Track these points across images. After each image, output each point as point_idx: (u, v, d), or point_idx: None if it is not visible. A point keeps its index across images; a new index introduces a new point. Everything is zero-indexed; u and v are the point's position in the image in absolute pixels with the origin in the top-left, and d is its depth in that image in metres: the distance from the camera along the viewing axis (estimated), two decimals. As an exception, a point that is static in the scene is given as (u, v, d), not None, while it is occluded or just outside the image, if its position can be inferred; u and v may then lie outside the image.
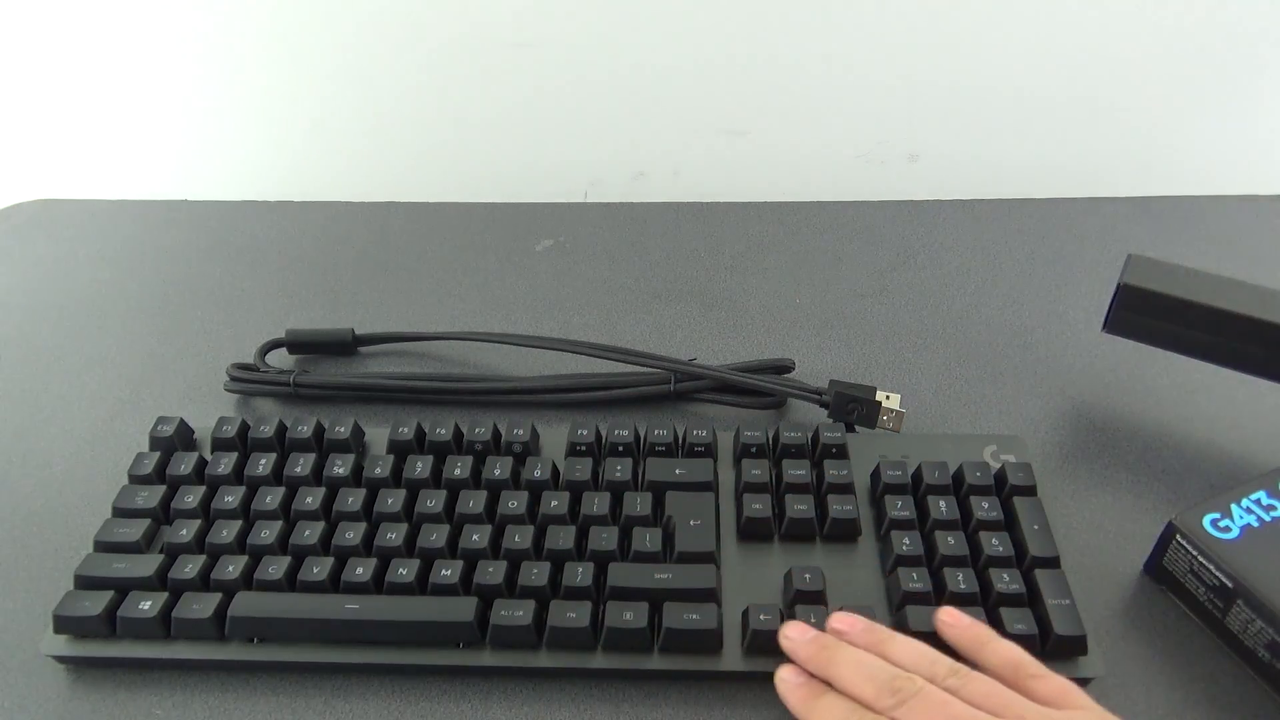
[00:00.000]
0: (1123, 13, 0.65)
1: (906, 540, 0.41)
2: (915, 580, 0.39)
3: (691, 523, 0.42)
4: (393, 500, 0.43)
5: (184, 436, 0.47)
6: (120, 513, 0.43)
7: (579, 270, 0.60)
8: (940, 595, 0.39)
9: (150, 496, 0.43)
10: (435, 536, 0.42)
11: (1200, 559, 0.39)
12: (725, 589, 0.41)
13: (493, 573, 0.40)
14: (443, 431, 0.46)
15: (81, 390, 0.53)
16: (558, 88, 0.69)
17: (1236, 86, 0.68)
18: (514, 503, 0.43)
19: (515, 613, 0.39)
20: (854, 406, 0.47)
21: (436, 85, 0.70)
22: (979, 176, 0.72)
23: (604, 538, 0.42)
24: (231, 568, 0.40)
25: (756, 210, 0.65)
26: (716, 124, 0.71)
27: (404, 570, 0.40)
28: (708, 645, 0.39)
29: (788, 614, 0.39)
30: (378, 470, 0.45)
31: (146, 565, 0.40)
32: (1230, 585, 0.38)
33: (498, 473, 0.44)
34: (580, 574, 0.40)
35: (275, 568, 0.40)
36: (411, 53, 0.68)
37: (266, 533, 0.42)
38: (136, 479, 0.45)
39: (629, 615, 0.39)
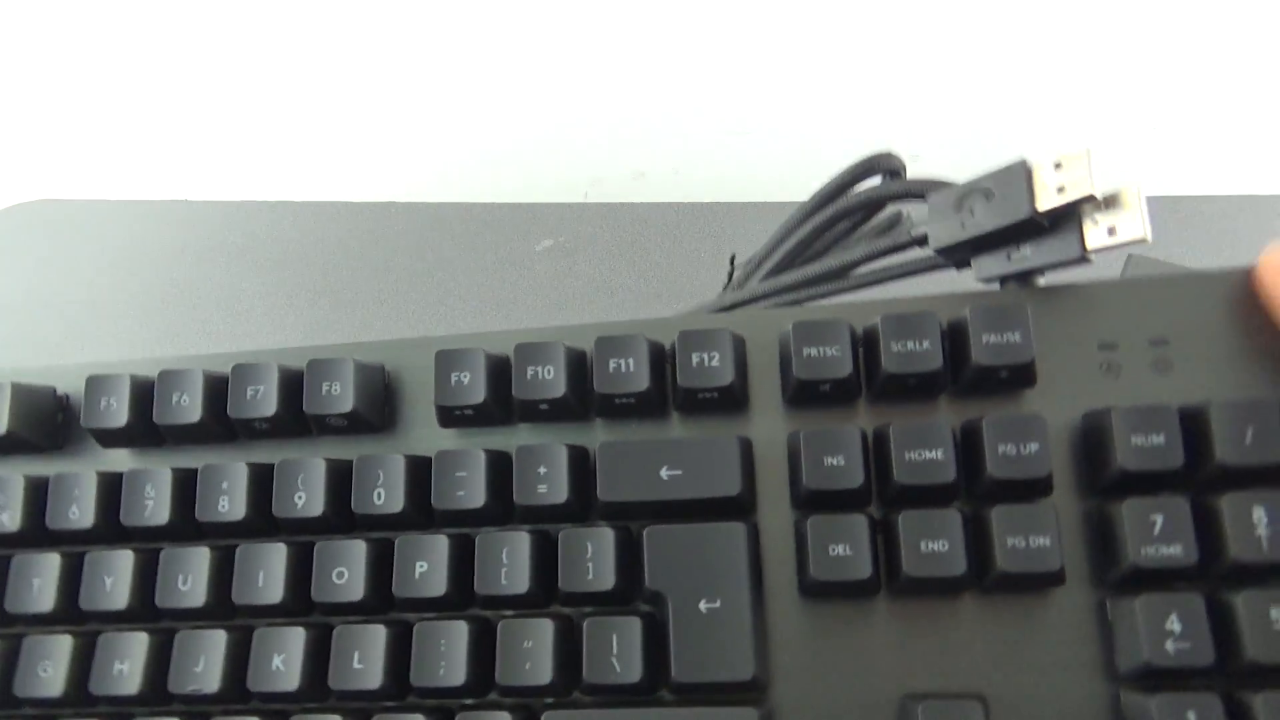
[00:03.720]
0: (1123, 13, 0.65)
1: (1175, 620, 0.25)
2: None
3: (703, 606, 0.27)
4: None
5: None
6: None
7: (579, 270, 0.60)
8: None
9: None
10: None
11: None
12: None
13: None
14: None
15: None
16: (558, 88, 0.69)
17: (1236, 86, 0.68)
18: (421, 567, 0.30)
19: None
20: (1011, 232, 0.30)
21: (436, 85, 0.70)
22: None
23: (526, 645, 0.28)
24: None
25: (756, 210, 0.65)
26: (716, 124, 0.71)
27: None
28: None
29: None
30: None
31: None
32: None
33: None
34: None
35: None
36: (411, 52, 0.68)
37: None
38: None
39: None
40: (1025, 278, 0.32)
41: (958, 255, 0.33)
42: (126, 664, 0.31)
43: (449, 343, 0.33)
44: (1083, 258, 0.30)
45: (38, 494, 0.34)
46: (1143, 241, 0.29)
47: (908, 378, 0.29)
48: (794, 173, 0.74)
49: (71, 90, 0.72)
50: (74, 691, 0.31)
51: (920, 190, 0.35)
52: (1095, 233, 0.29)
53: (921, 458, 0.27)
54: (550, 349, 0.31)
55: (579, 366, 0.31)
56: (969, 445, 0.28)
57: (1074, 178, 0.29)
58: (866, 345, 0.30)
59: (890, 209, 0.39)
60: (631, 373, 0.30)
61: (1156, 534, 0.26)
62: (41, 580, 0.32)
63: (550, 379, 0.31)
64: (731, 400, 0.30)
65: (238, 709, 0.31)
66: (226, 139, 0.73)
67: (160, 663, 0.31)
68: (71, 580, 0.33)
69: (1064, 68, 0.67)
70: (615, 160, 0.74)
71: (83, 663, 0.32)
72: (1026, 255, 0.31)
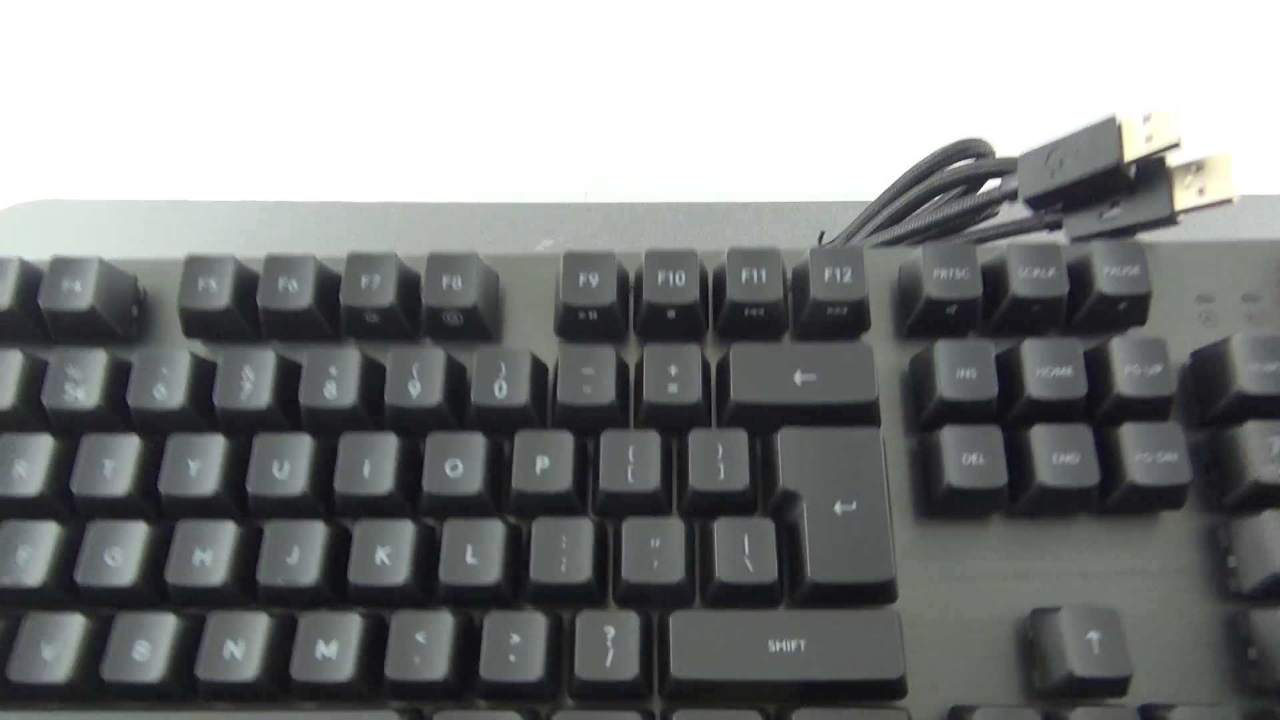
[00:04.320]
0: (1123, 14, 0.65)
1: None
2: None
3: (838, 507, 0.27)
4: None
5: None
6: None
7: (579, 270, 0.60)
8: None
9: None
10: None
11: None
12: (910, 653, 0.26)
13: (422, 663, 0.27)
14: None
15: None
16: (558, 88, 0.69)
17: (1237, 87, 0.68)
18: (455, 465, 0.30)
19: None
20: (1100, 182, 0.31)
21: (436, 85, 0.70)
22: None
23: (654, 547, 0.27)
24: None
25: (756, 210, 0.65)
26: (716, 124, 0.71)
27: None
28: None
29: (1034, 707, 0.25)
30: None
31: None
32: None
33: (419, 395, 0.30)
34: (614, 642, 0.26)
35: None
36: (411, 53, 0.68)
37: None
38: None
39: None
40: (1115, 237, 0.33)
41: (1049, 207, 0.34)
42: (209, 553, 0.28)
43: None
44: (1171, 218, 0.32)
45: (119, 373, 0.31)
46: (1229, 202, 0.32)
47: (1033, 303, 0.30)
48: (794, 173, 0.74)
49: (71, 90, 0.72)
50: (144, 583, 0.29)
51: (1012, 167, 0.36)
52: (1185, 194, 0.32)
53: (1052, 374, 0.28)
54: (684, 258, 0.31)
55: (705, 281, 0.32)
56: (1090, 370, 0.29)
57: (1161, 128, 0.31)
58: (988, 276, 0.31)
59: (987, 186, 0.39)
60: (762, 284, 0.31)
61: (1275, 454, 0.28)
62: (116, 463, 0.29)
63: (682, 285, 0.31)
64: (857, 319, 0.31)
65: (332, 604, 0.29)
66: (226, 139, 0.73)
67: (248, 554, 0.29)
68: (150, 465, 0.30)
69: (1063, 67, 0.67)
70: (615, 160, 0.74)
71: (157, 550, 0.29)
72: (1116, 214, 0.33)
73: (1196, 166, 0.33)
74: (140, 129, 0.73)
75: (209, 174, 0.76)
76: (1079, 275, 0.31)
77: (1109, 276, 0.30)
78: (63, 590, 0.29)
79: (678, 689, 0.26)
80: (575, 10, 0.66)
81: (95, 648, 0.28)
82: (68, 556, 0.29)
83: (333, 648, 0.27)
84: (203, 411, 0.31)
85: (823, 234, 0.44)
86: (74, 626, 0.28)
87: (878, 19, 0.66)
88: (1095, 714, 0.25)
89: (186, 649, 0.28)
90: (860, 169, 0.73)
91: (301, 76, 0.70)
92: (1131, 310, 0.31)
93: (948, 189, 0.39)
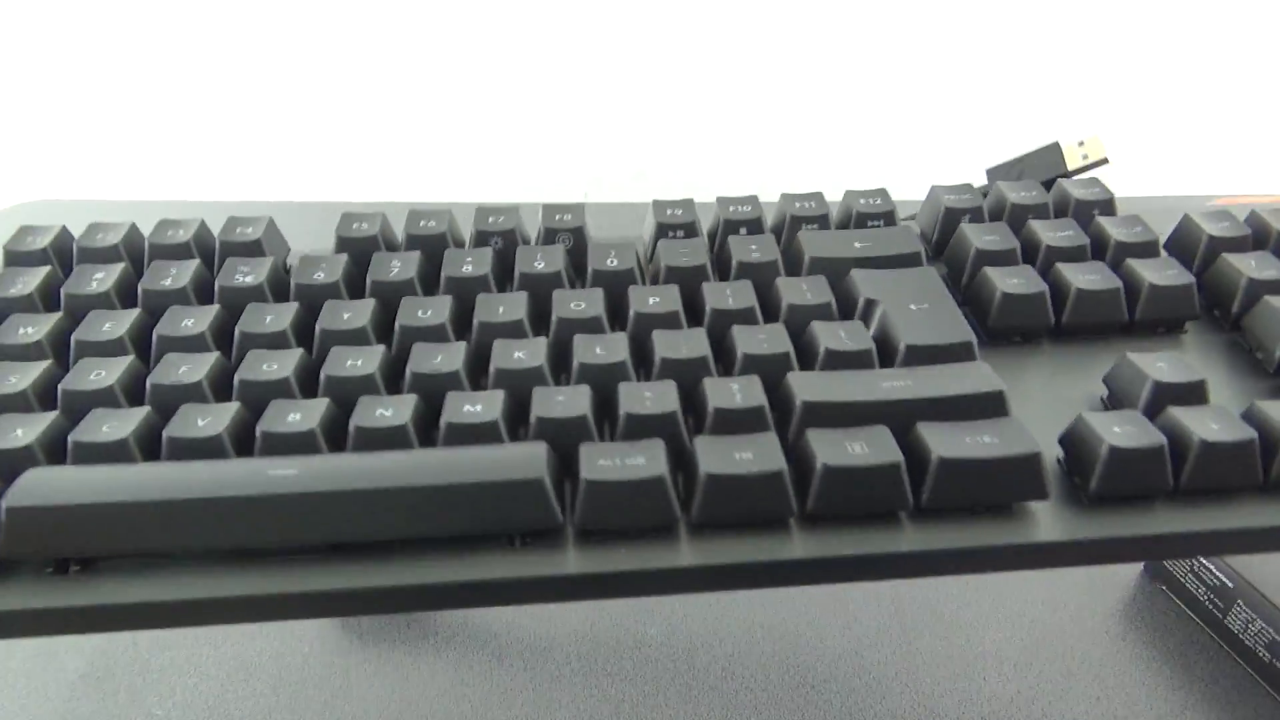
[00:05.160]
0: (1122, 14, 0.65)
1: None
2: None
3: (912, 306, 0.31)
4: (351, 315, 0.29)
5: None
6: None
7: (579, 270, 0.60)
8: None
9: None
10: (442, 359, 0.28)
11: (1200, 558, 0.39)
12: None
13: (565, 402, 0.26)
14: (432, 224, 0.37)
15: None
16: (558, 88, 0.69)
17: (1237, 87, 0.68)
18: (579, 303, 0.30)
19: (630, 459, 0.24)
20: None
21: (436, 85, 0.70)
22: (980, 175, 0.72)
23: (761, 339, 0.29)
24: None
25: (756, 210, 0.65)
26: (716, 124, 0.71)
27: (385, 411, 0.25)
28: (1025, 487, 0.26)
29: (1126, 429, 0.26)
30: (319, 275, 0.32)
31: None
32: (1230, 585, 0.38)
33: (540, 265, 0.32)
34: (738, 394, 0.27)
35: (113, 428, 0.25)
36: (411, 53, 0.68)
37: (101, 374, 0.27)
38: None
39: (858, 447, 0.25)
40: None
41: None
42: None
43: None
44: (1067, 175, 0.44)
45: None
46: (1106, 161, 0.45)
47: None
48: (794, 173, 0.74)
49: (72, 90, 0.72)
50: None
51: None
52: (1072, 157, 0.46)
53: (1061, 234, 0.36)
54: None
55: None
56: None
57: (1093, 149, 0.46)
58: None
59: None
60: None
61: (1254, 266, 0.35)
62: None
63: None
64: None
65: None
66: (226, 139, 0.73)
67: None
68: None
69: (1062, 66, 0.67)
70: (615, 160, 0.74)
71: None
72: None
73: (1081, 142, 0.46)
74: (140, 129, 0.73)
75: (209, 174, 0.76)
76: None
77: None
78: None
79: (807, 411, 0.27)
80: (575, 10, 0.66)
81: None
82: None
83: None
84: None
85: None
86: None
87: (877, 21, 0.66)
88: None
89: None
90: (860, 169, 0.73)
91: (302, 77, 0.70)
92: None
93: None
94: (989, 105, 0.69)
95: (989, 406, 0.27)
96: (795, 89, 0.69)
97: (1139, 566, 0.42)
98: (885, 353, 0.30)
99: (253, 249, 0.38)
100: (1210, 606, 0.39)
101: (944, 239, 0.38)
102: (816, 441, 0.26)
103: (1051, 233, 0.35)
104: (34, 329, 0.30)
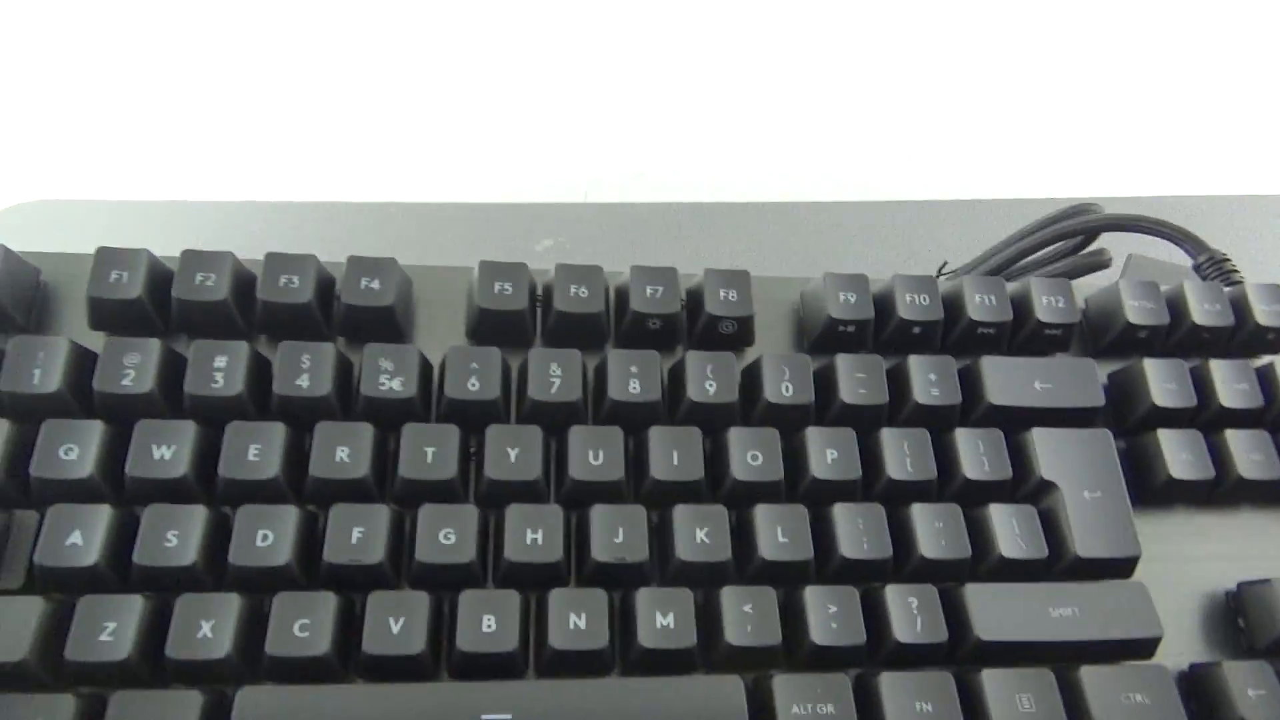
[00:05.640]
0: (1122, 14, 0.65)
1: None
2: None
3: (1086, 494, 0.31)
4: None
5: None
6: None
7: (579, 270, 0.60)
8: None
9: None
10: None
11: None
12: None
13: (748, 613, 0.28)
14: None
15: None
16: (558, 87, 0.69)
17: (1236, 87, 0.68)
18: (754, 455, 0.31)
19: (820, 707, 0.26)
20: None
21: (436, 85, 0.70)
22: (980, 176, 0.72)
23: (939, 537, 0.30)
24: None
25: (756, 210, 0.65)
26: (716, 124, 0.71)
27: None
28: None
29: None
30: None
31: None
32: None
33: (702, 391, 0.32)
34: (916, 612, 0.29)
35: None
36: (411, 52, 0.68)
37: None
38: None
39: (1026, 700, 0.27)
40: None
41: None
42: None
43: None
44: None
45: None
46: None
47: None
48: (794, 173, 0.74)
49: (71, 90, 0.72)
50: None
51: (1126, 223, 0.45)
52: None
53: (1236, 387, 0.35)
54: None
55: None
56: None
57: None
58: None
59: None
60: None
61: None
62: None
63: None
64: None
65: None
66: (226, 139, 0.73)
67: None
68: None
69: (1062, 66, 0.67)
70: (615, 160, 0.74)
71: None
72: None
73: None
74: (140, 129, 0.73)
75: (209, 174, 0.76)
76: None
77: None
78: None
79: (980, 651, 0.29)
80: (575, 10, 0.66)
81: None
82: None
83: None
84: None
85: (944, 264, 0.50)
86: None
87: (877, 21, 0.66)
88: None
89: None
90: (861, 169, 0.73)
91: (301, 76, 0.70)
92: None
93: (1067, 237, 0.46)
94: (989, 105, 0.69)
95: (1144, 648, 0.29)
96: (795, 89, 0.69)
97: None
98: (1052, 548, 0.31)
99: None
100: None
101: (1110, 348, 0.36)
102: (990, 685, 0.27)
103: (1227, 387, 0.34)
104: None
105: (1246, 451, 0.33)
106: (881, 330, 0.35)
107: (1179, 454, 0.33)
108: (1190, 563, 0.33)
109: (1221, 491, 0.34)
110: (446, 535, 0.29)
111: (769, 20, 0.66)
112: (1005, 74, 0.67)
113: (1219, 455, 0.34)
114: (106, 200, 0.69)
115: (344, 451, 0.30)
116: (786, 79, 0.68)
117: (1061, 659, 0.29)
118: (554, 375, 0.32)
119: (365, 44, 0.68)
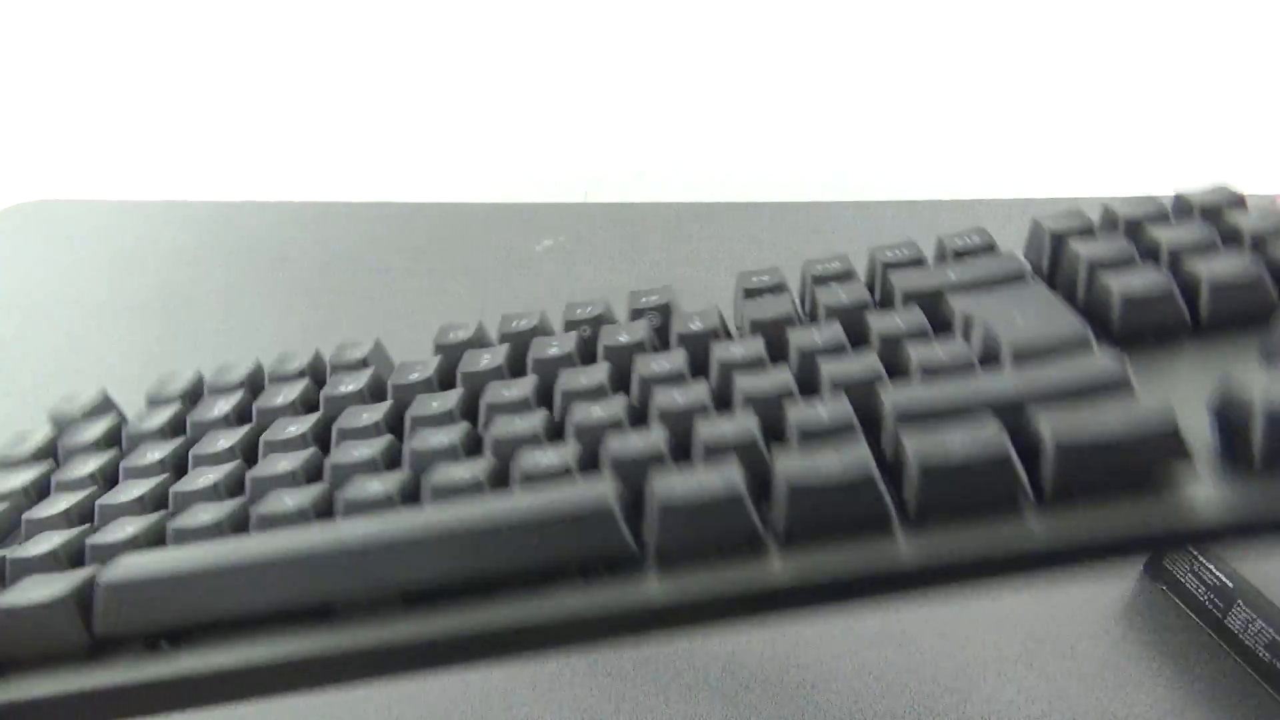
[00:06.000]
0: (1122, 15, 0.65)
1: None
2: None
3: (1019, 318, 0.29)
4: (439, 403, 0.31)
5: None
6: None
7: (579, 270, 0.60)
8: None
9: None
10: (519, 421, 0.28)
11: (1200, 558, 0.39)
12: None
13: (638, 441, 0.25)
14: (523, 323, 0.35)
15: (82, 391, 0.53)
16: (557, 87, 0.69)
17: (1235, 87, 0.69)
18: (661, 363, 0.30)
19: (704, 478, 0.23)
20: None
21: (436, 85, 0.70)
22: (978, 176, 0.72)
23: (848, 365, 0.28)
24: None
25: (756, 210, 0.65)
26: (716, 124, 0.71)
27: (463, 473, 0.26)
28: (1156, 468, 0.23)
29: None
30: (414, 376, 0.32)
31: None
32: (1230, 585, 0.38)
33: (623, 338, 0.32)
34: (824, 411, 0.25)
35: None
36: (411, 53, 0.68)
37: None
38: None
39: (957, 438, 0.23)
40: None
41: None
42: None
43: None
44: None
45: None
46: None
47: None
48: (794, 173, 0.74)
49: (71, 90, 0.72)
50: None
51: None
52: None
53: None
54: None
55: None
56: None
57: None
58: None
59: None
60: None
61: None
62: None
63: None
64: None
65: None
66: (226, 139, 0.73)
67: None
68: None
69: (1062, 66, 0.67)
70: (615, 160, 0.74)
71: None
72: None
73: None
74: (140, 129, 0.73)
75: (209, 174, 0.77)
76: None
77: None
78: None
79: (901, 417, 0.25)
80: (575, 11, 0.66)
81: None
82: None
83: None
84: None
85: None
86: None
87: (877, 21, 0.66)
88: None
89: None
90: (860, 169, 0.73)
91: (302, 77, 0.70)
92: None
93: None
94: (989, 105, 0.69)
95: (1111, 393, 0.24)
96: (795, 89, 0.69)
97: (1138, 566, 0.42)
98: (990, 366, 0.27)
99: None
100: (1210, 606, 0.39)
101: (1055, 267, 0.34)
102: (910, 439, 0.23)
103: (1172, 233, 0.31)
104: (225, 440, 0.32)
105: (1212, 264, 0.30)
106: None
107: (1130, 280, 0.30)
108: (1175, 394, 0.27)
109: (1203, 318, 0.30)
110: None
111: (769, 21, 0.67)
112: (1005, 74, 0.67)
113: (1183, 281, 0.30)
114: (106, 200, 0.69)
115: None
116: (786, 79, 0.68)
117: (1006, 414, 0.25)
118: None
119: (365, 45, 0.68)
